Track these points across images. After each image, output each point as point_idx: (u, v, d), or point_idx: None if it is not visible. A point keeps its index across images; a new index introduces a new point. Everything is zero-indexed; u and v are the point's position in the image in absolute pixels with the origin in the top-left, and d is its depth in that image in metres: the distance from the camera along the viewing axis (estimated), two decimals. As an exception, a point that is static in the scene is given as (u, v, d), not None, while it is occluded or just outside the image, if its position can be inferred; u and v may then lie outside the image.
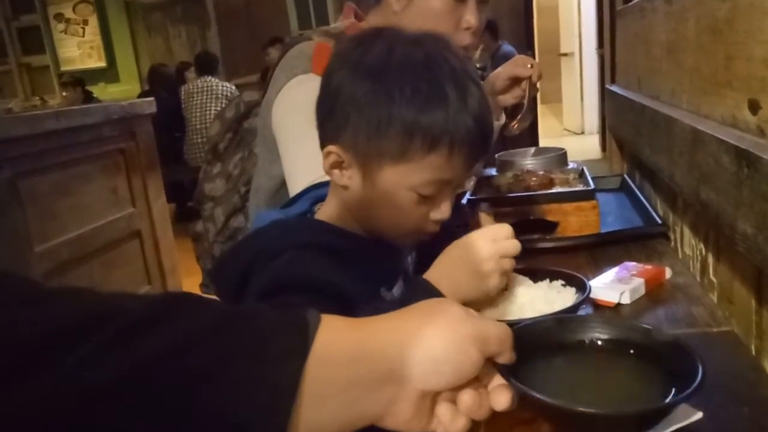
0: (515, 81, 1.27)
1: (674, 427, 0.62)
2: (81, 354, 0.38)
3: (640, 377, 0.67)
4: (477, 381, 0.49)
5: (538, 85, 1.28)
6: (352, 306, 0.70)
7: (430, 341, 0.45)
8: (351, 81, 0.71)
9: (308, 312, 0.45)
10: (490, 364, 0.50)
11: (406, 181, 0.71)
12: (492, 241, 0.74)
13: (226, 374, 0.40)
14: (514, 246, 0.75)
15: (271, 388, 0.41)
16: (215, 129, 1.42)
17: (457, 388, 0.48)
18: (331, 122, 0.74)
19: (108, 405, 0.38)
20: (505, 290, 0.86)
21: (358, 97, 0.70)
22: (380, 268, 0.80)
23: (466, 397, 0.48)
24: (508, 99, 1.30)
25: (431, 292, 0.70)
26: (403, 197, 0.73)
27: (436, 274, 0.73)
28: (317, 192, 0.85)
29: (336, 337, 0.44)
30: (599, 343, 0.71)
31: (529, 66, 1.25)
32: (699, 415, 0.63)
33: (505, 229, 0.76)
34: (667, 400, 0.59)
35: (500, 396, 0.49)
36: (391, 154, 0.70)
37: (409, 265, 0.87)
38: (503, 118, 1.35)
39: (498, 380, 0.51)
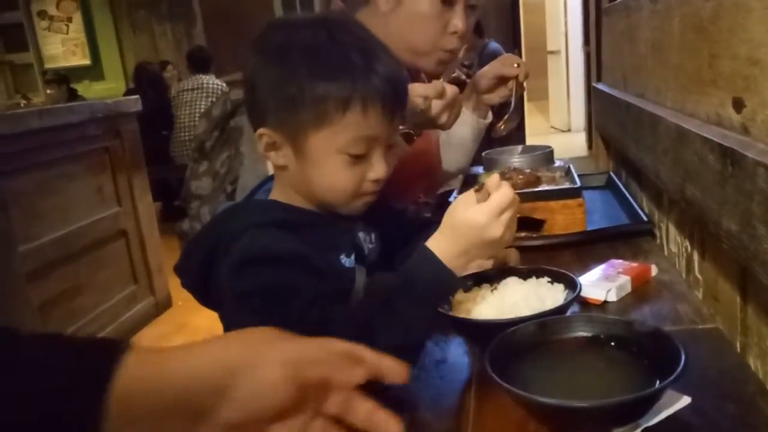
0: (501, 80, 1.26)
1: (665, 414, 0.62)
2: None
3: (626, 369, 0.68)
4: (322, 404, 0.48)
5: (524, 84, 1.28)
6: (320, 272, 0.75)
7: (235, 376, 0.44)
8: (261, 66, 0.78)
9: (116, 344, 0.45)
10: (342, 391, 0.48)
11: (332, 145, 0.76)
12: (481, 204, 0.73)
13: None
14: (504, 196, 0.73)
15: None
16: (202, 127, 1.41)
17: (287, 415, 0.46)
18: (254, 108, 0.80)
19: None
20: (496, 290, 0.86)
21: (269, 80, 0.77)
22: (336, 237, 0.84)
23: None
24: (494, 98, 1.29)
25: (433, 261, 0.72)
26: (335, 161, 0.77)
27: (442, 246, 0.73)
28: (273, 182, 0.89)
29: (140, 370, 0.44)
30: (584, 340, 0.72)
31: (515, 65, 1.25)
32: (687, 400, 0.63)
33: (490, 183, 0.74)
34: (656, 386, 0.59)
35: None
36: (311, 122, 0.75)
37: (363, 243, 0.88)
38: (490, 117, 1.35)
39: (373, 412, 0.49)
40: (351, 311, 0.72)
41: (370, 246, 0.89)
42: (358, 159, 0.78)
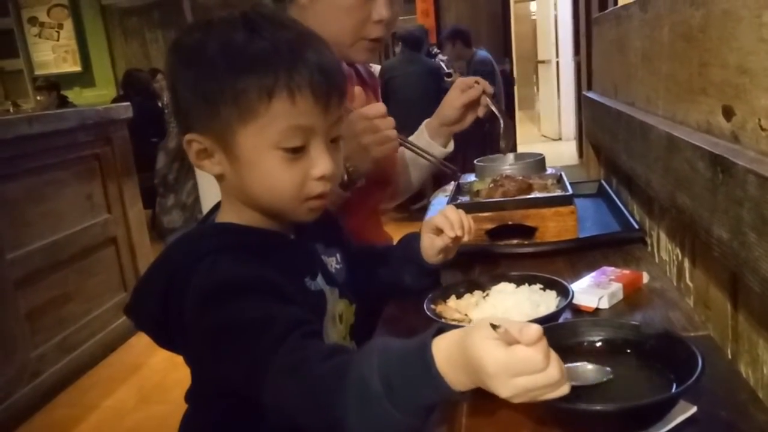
0: (468, 106, 1.26)
1: (675, 422, 0.62)
2: None
3: (638, 373, 0.68)
4: None
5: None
6: (284, 295, 0.69)
7: None
8: (178, 69, 0.74)
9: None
10: None
11: (263, 141, 0.71)
12: (500, 351, 0.53)
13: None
14: (530, 361, 0.52)
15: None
16: (161, 162, 1.41)
17: None
18: (179, 114, 0.75)
19: None
20: (488, 296, 0.86)
21: (188, 81, 0.72)
22: (297, 259, 0.80)
23: None
24: (465, 124, 1.29)
25: (429, 370, 0.55)
26: (270, 160, 0.71)
27: (442, 354, 0.55)
28: None
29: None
30: (592, 344, 0.73)
31: (474, 84, 1.24)
32: (694, 409, 0.63)
33: (523, 332, 0.53)
34: (675, 390, 0.60)
35: None
36: (236, 118, 0.70)
37: (328, 264, 0.85)
38: (451, 146, 1.34)
39: None
40: (329, 370, 0.60)
41: (337, 266, 0.86)
42: (296, 154, 0.71)
